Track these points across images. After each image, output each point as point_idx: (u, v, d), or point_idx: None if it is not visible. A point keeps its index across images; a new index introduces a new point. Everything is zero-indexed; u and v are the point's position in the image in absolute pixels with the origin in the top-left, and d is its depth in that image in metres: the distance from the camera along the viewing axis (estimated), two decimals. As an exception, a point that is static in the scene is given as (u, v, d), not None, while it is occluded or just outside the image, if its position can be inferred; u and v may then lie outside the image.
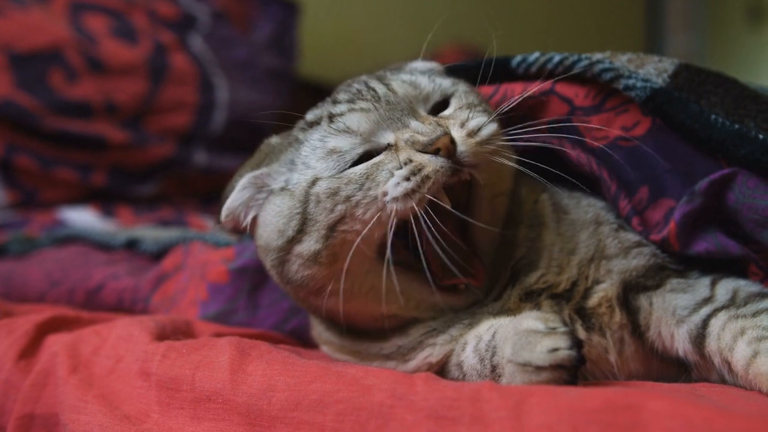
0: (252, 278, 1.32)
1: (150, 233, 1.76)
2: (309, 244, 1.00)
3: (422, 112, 1.04)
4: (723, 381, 0.98)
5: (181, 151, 2.49)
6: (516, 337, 0.89)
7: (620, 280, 1.04)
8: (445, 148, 0.95)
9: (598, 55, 1.10)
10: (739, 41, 4.77)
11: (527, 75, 1.13)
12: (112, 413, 1.01)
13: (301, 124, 1.10)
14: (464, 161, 0.96)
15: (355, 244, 0.97)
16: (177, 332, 1.19)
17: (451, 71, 1.18)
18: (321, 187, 0.99)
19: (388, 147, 1.00)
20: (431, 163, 0.95)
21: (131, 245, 1.68)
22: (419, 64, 1.17)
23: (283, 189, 1.04)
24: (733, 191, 0.99)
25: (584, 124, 1.10)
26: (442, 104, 1.07)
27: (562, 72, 1.10)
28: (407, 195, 0.94)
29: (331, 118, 1.04)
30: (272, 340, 1.21)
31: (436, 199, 0.95)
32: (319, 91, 3.61)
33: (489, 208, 1.05)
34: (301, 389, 0.90)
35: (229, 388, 0.94)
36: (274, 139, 1.13)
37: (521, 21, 4.34)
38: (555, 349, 0.85)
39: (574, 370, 0.86)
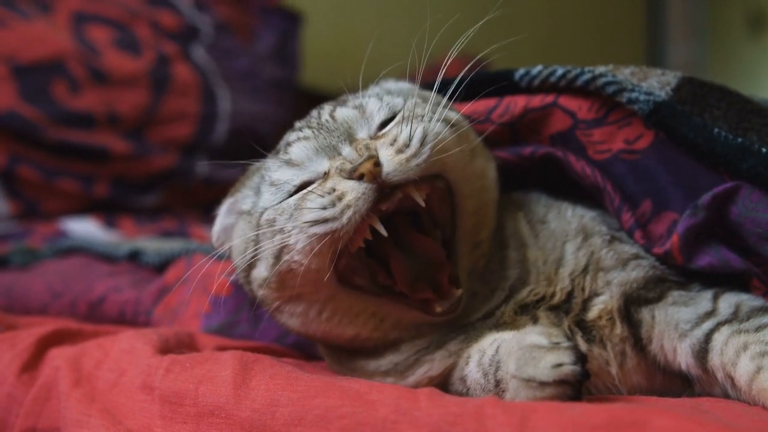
0: (254, 291, 1.32)
1: (152, 245, 1.76)
2: (260, 271, 1.03)
3: (362, 135, 1.01)
4: (726, 395, 0.97)
5: (183, 162, 2.49)
6: (520, 352, 0.89)
7: (620, 293, 1.04)
8: (368, 173, 0.92)
9: (601, 69, 1.10)
10: (739, 50, 4.78)
11: (530, 88, 1.14)
12: (114, 427, 1.01)
13: (276, 148, 1.11)
14: (393, 182, 0.93)
15: (300, 274, 0.98)
16: (180, 345, 1.18)
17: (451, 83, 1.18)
18: (264, 218, 1.01)
19: (324, 176, 0.99)
20: (353, 191, 0.93)
21: (134, 257, 1.68)
22: (391, 85, 1.17)
23: (249, 212, 1.07)
24: (736, 205, 0.99)
25: (587, 137, 1.10)
26: (390, 122, 1.03)
27: (566, 85, 1.10)
28: (326, 221, 0.93)
29: (286, 145, 1.06)
30: (275, 353, 1.21)
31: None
32: (321, 102, 3.61)
33: (473, 220, 1.04)
34: (305, 404, 0.89)
35: (232, 402, 0.94)
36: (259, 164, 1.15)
37: (522, 32, 4.35)
38: (559, 365, 0.85)
39: (578, 385, 0.85)
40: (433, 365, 1.04)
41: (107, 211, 2.36)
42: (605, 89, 1.07)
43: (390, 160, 0.94)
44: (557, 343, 0.87)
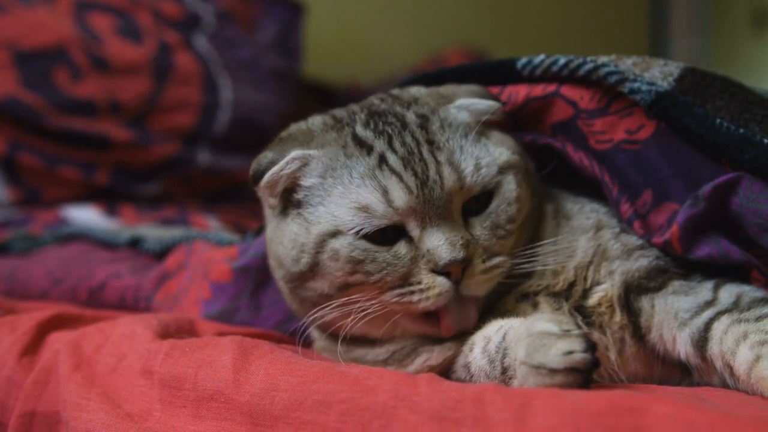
0: (255, 277, 1.32)
1: (153, 232, 1.76)
2: (322, 286, 1.03)
3: (456, 208, 1.01)
4: (724, 385, 0.98)
5: (184, 151, 2.49)
6: (529, 339, 0.88)
7: (622, 281, 1.05)
8: (455, 274, 0.97)
9: (603, 59, 1.10)
10: (743, 46, 4.77)
11: (532, 77, 1.13)
12: (114, 411, 1.01)
13: (349, 129, 1.06)
14: (461, 291, 0.99)
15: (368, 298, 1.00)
16: (180, 331, 1.18)
17: (456, 74, 1.18)
18: (341, 245, 0.99)
19: (410, 238, 1.00)
20: (438, 287, 0.98)
21: (134, 244, 1.68)
22: (473, 102, 1.08)
23: (305, 218, 1.03)
24: (737, 196, 0.99)
25: (589, 127, 1.10)
26: (483, 196, 1.03)
27: (568, 74, 1.10)
28: (404, 303, 1.00)
29: (381, 162, 1.00)
30: (274, 339, 1.21)
31: None
32: (323, 93, 3.60)
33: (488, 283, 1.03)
34: (304, 389, 0.90)
35: (231, 387, 0.95)
36: (316, 122, 1.10)
37: (525, 25, 4.34)
38: (570, 352, 0.84)
39: (587, 374, 0.85)
40: (433, 355, 1.05)
41: (108, 199, 2.36)
42: (607, 79, 1.07)
43: (473, 275, 0.98)
44: (568, 331, 0.87)
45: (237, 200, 2.62)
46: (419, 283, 0.98)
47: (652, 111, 1.05)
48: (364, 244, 0.99)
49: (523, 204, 1.05)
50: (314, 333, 1.18)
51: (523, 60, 1.15)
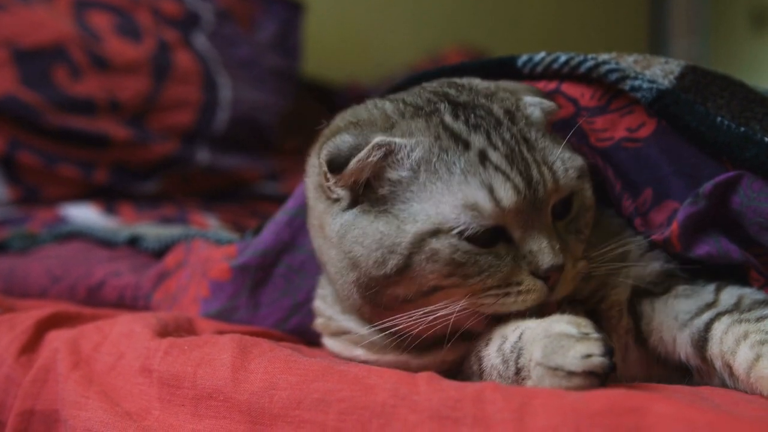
0: (254, 276, 1.32)
1: (152, 231, 1.76)
2: (405, 292, 0.96)
3: (549, 211, 0.97)
4: (724, 385, 0.97)
5: (183, 150, 2.48)
6: (547, 340, 0.87)
7: (631, 285, 1.04)
8: (553, 279, 0.95)
9: (604, 56, 1.10)
10: (742, 46, 4.77)
11: (533, 75, 1.13)
12: (112, 410, 1.01)
13: (437, 118, 0.98)
14: (551, 296, 0.96)
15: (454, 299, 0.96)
16: (179, 329, 1.18)
17: (456, 72, 1.18)
18: (443, 246, 0.92)
19: (508, 239, 0.95)
20: (537, 291, 0.95)
21: (133, 242, 1.68)
22: (541, 101, 1.04)
23: (394, 214, 0.95)
24: (737, 194, 0.99)
25: (590, 125, 1.10)
26: (566, 200, 1.00)
27: (568, 72, 1.10)
28: (498, 303, 0.96)
29: (483, 158, 0.94)
30: (274, 338, 1.20)
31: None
32: (322, 92, 3.60)
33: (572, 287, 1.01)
34: (303, 388, 0.89)
35: (230, 385, 0.94)
36: (387, 107, 1.02)
37: (525, 25, 4.34)
38: (588, 355, 0.83)
39: (605, 377, 0.84)
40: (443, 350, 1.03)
41: (107, 197, 2.35)
42: (608, 76, 1.07)
43: (566, 281, 0.97)
44: (587, 334, 0.85)
45: (236, 199, 2.62)
46: (519, 284, 0.94)
47: (653, 109, 1.05)
48: (466, 245, 0.93)
49: (594, 210, 1.03)
50: (349, 324, 1.10)
51: (524, 57, 1.15)
